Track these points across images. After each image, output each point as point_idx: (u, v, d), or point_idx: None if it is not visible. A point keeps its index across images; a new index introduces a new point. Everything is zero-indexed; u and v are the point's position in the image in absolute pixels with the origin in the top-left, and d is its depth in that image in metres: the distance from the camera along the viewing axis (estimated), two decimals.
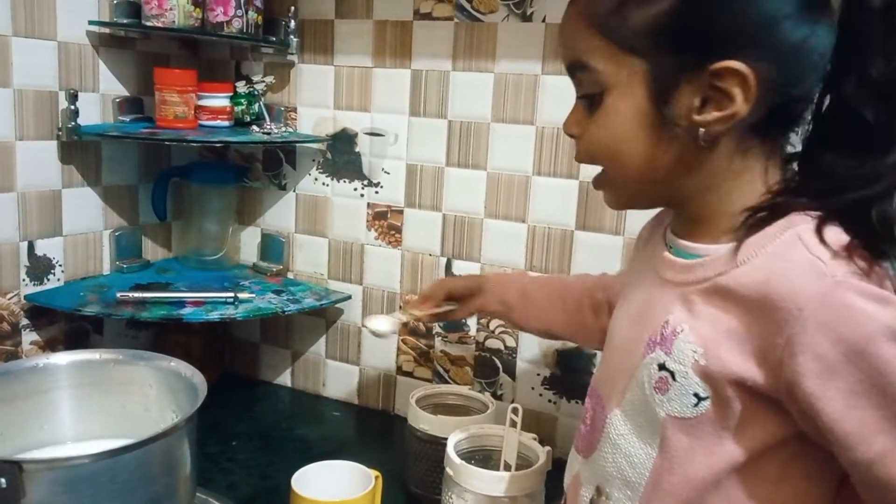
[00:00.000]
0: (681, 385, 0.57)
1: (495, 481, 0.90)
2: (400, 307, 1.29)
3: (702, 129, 0.56)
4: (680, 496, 0.59)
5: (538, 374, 1.21)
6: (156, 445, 0.67)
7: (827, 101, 0.58)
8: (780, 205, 0.57)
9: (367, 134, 1.29)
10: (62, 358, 0.83)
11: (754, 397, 0.55)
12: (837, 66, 0.56)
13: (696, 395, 0.57)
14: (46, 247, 1.20)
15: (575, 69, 0.61)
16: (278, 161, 1.38)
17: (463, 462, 0.92)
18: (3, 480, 0.62)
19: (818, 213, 0.55)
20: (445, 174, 1.23)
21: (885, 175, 0.54)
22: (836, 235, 0.54)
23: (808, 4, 0.54)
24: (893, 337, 0.50)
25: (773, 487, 0.57)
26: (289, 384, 1.44)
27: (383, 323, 0.91)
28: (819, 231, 0.54)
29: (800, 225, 0.55)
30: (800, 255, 0.53)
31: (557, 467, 0.84)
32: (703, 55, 0.54)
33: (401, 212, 1.28)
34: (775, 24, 0.54)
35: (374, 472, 0.94)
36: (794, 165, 0.61)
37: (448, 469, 0.94)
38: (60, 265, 1.23)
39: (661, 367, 0.59)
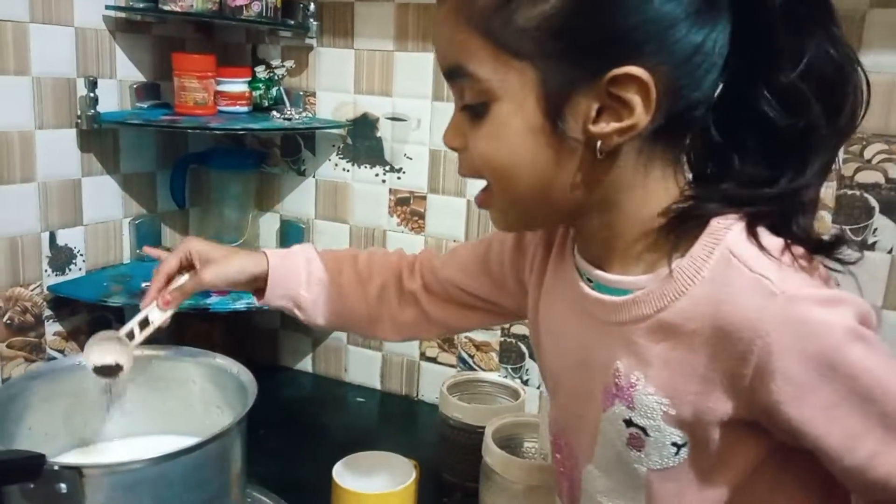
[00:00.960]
0: (655, 439, 0.54)
1: (535, 471, 0.90)
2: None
3: (599, 142, 0.50)
4: None
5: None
6: (212, 446, 0.67)
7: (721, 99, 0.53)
8: (693, 210, 0.52)
9: (388, 119, 1.27)
10: None
11: (731, 427, 0.52)
12: (741, 68, 0.51)
13: (674, 444, 0.54)
14: (67, 237, 1.19)
15: (454, 75, 0.54)
16: (297, 146, 1.36)
17: (503, 452, 0.92)
18: (63, 486, 0.62)
19: (738, 216, 0.52)
20: None
21: (802, 189, 0.51)
22: (768, 240, 0.50)
23: (706, 3, 0.50)
24: (855, 336, 0.48)
25: (767, 500, 0.55)
26: (310, 370, 1.44)
27: (107, 354, 0.72)
28: (749, 240, 0.51)
29: (724, 236, 0.51)
30: (742, 277, 0.50)
31: None
32: (599, 60, 0.49)
33: (424, 197, 1.27)
34: (674, 26, 0.49)
35: (412, 462, 0.94)
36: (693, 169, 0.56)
37: (487, 458, 0.94)
38: (81, 255, 1.21)
39: (629, 423, 0.55)
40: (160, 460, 0.64)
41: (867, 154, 0.98)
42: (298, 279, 0.78)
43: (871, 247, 0.99)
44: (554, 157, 0.52)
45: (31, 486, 0.62)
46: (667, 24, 0.49)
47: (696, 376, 0.52)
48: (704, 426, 0.52)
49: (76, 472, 0.61)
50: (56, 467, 0.61)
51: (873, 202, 0.98)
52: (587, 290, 0.58)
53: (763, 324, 0.48)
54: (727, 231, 0.51)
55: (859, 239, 0.99)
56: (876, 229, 0.99)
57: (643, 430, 0.54)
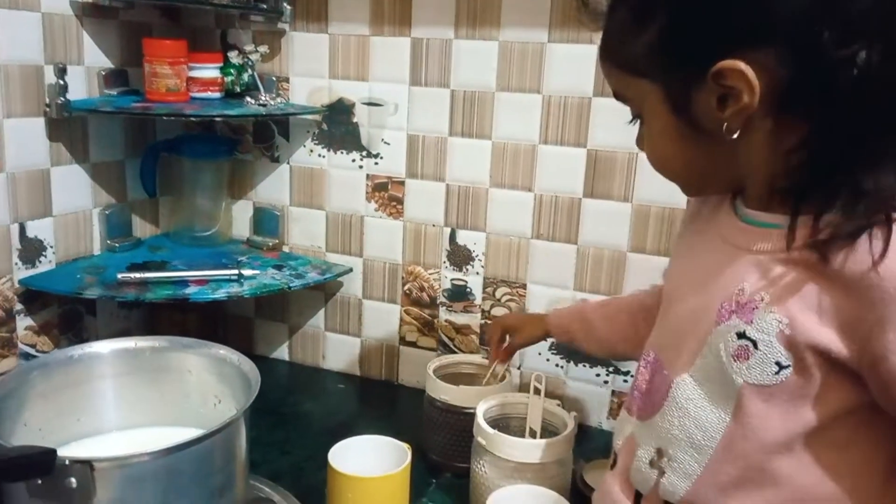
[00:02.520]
0: (763, 354, 0.58)
1: (529, 448, 0.92)
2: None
3: (724, 125, 0.57)
4: (751, 459, 0.60)
5: (546, 340, 1.23)
6: (220, 436, 0.67)
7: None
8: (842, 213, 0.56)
9: (365, 104, 1.27)
10: (99, 347, 0.80)
11: (834, 367, 0.56)
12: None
13: (777, 363, 0.57)
14: (37, 228, 1.15)
15: (617, 98, 0.66)
16: (270, 133, 1.34)
17: (497, 431, 0.93)
18: (73, 480, 0.61)
19: None
20: (449, 144, 1.22)
21: None
22: None
23: None
24: None
25: (842, 452, 0.59)
26: (286, 358, 1.43)
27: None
28: None
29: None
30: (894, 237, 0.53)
31: None
32: (701, 63, 0.56)
33: (402, 183, 1.27)
34: (767, 6, 0.53)
35: (405, 445, 0.95)
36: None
37: (479, 438, 0.95)
38: (51, 247, 1.18)
39: (741, 335, 0.59)
40: (170, 451, 0.64)
41: None
42: (573, 318, 0.97)
43: None
44: (699, 147, 0.61)
45: (40, 481, 0.61)
46: (758, 8, 0.53)
47: (822, 308, 0.56)
48: (812, 354, 0.56)
49: (87, 465, 0.60)
50: (66, 462, 0.60)
51: None
52: (738, 222, 0.64)
53: None
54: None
55: None
56: None
57: (754, 343, 0.58)
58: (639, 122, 0.66)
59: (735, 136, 0.57)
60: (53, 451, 0.59)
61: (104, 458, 0.61)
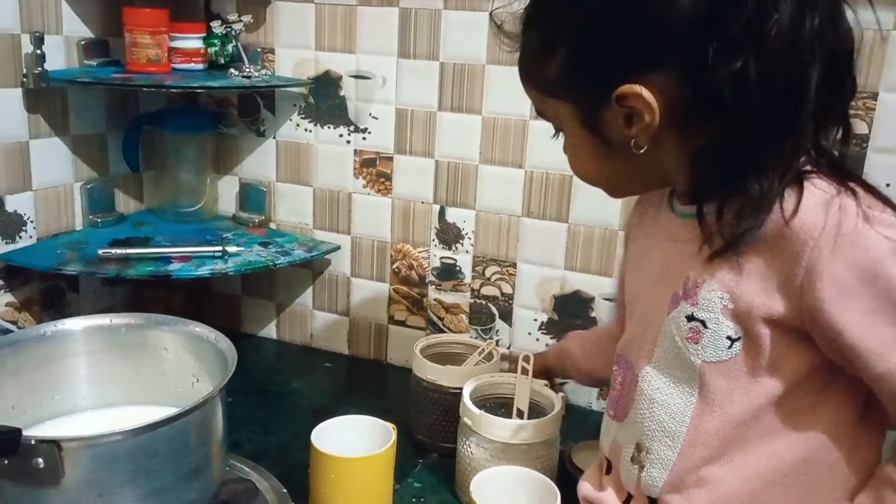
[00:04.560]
0: (713, 331, 0.61)
1: (515, 429, 0.91)
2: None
3: (633, 141, 0.61)
4: (721, 435, 0.63)
5: (535, 320, 1.22)
6: (195, 415, 0.65)
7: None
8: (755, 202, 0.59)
9: (352, 77, 1.24)
10: (72, 324, 0.78)
11: (783, 331, 0.59)
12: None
13: (728, 337, 0.61)
14: (17, 202, 1.13)
15: (540, 115, 0.70)
16: (256, 106, 1.31)
17: (483, 412, 0.92)
18: (40, 460, 0.59)
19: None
20: (438, 119, 1.20)
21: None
22: (832, 180, 0.58)
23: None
24: None
25: (809, 414, 0.61)
26: (274, 336, 1.41)
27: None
28: (817, 176, 0.58)
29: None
30: (811, 195, 0.56)
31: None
32: (605, 86, 0.59)
33: (390, 158, 1.24)
34: (657, 33, 0.56)
35: (390, 425, 0.93)
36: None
37: (465, 419, 0.93)
38: (32, 221, 1.16)
39: (690, 318, 0.62)
40: (141, 431, 0.62)
41: None
42: (559, 352, 1.02)
43: None
44: (616, 159, 0.64)
45: (6, 461, 0.59)
46: (644, 40, 0.57)
47: (756, 275, 0.58)
48: (757, 322, 0.59)
49: (54, 445, 0.58)
50: (33, 441, 0.58)
51: None
52: (674, 217, 0.68)
53: (818, 229, 0.55)
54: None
55: None
56: None
57: (703, 322, 0.62)
58: (561, 134, 0.69)
59: (643, 150, 0.60)
60: (18, 431, 0.57)
61: (72, 437, 0.60)
